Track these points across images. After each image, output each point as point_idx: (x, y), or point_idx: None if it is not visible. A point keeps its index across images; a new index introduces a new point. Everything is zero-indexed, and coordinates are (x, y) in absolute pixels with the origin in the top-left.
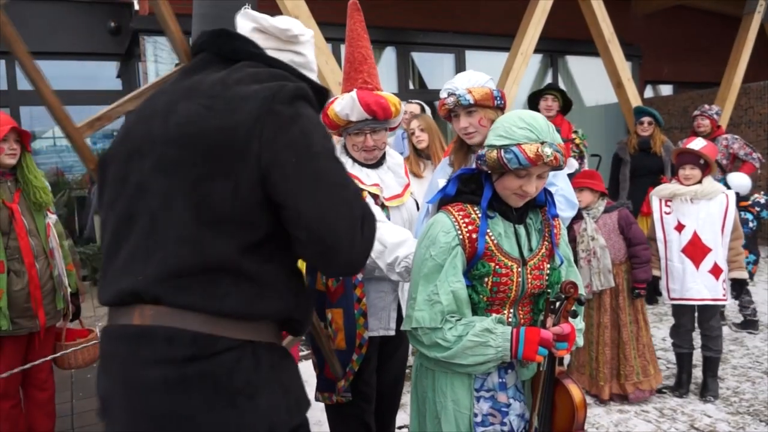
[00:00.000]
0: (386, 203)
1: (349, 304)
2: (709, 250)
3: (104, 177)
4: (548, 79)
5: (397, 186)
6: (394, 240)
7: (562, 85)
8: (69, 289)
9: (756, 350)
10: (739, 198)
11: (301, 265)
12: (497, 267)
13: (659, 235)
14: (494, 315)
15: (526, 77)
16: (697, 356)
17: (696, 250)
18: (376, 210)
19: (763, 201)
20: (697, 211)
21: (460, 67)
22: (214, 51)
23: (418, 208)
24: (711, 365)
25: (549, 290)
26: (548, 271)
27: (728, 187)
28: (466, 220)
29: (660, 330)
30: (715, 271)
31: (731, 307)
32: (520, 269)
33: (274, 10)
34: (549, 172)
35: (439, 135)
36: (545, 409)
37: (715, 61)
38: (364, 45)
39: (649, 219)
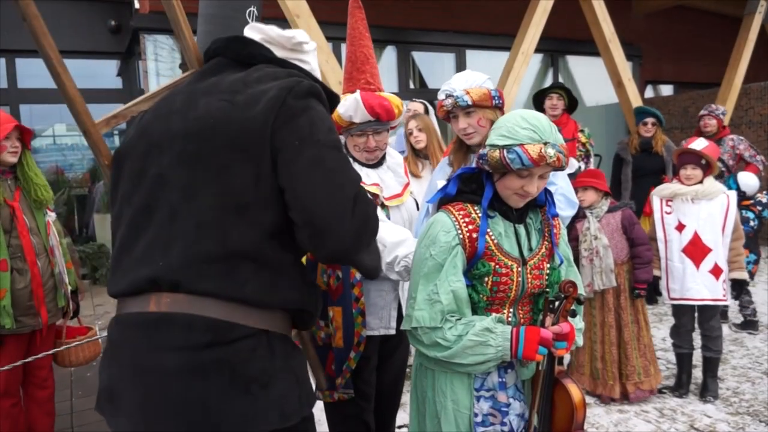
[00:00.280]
0: (386, 203)
1: (348, 303)
2: (710, 250)
3: (119, 172)
4: (549, 79)
5: (397, 185)
6: (393, 239)
7: None
8: (69, 287)
9: (756, 351)
10: (744, 197)
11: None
12: (497, 267)
13: (660, 234)
14: (494, 314)
15: (526, 77)
16: (697, 356)
17: (696, 250)
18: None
19: (765, 200)
20: (697, 211)
21: (460, 66)
22: (231, 56)
23: (417, 208)
24: (711, 365)
25: (548, 290)
26: (548, 271)
27: (737, 186)
28: (467, 219)
29: (660, 330)
30: (716, 271)
31: (733, 307)
32: (520, 269)
33: (274, 9)
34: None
35: (437, 135)
36: (545, 409)
37: (716, 62)
38: (366, 44)
39: (651, 219)
